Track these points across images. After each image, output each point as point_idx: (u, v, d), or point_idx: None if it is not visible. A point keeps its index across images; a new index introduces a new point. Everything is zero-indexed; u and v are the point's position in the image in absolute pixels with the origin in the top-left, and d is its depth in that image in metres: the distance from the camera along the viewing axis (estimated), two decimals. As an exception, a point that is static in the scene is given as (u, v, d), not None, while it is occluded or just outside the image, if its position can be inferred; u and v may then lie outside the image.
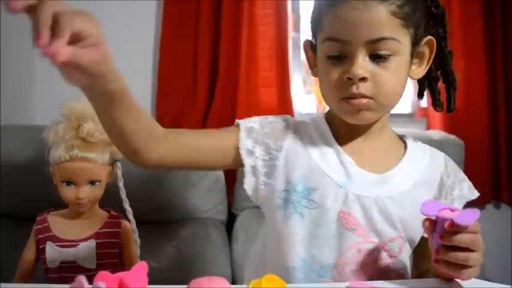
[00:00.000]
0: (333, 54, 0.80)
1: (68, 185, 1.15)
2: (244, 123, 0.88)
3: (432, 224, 0.71)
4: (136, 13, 2.07)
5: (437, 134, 1.89)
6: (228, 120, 1.93)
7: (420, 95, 0.96)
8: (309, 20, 0.88)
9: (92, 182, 1.16)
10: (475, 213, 0.68)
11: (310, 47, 0.89)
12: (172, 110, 2.00)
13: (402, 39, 0.78)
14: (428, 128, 2.16)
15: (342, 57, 0.79)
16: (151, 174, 1.59)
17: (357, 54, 0.77)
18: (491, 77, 2.13)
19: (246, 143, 0.86)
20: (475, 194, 0.91)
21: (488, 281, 0.78)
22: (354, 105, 0.79)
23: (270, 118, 0.90)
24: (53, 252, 1.15)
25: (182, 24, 2.01)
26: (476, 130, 2.09)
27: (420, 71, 0.85)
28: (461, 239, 0.68)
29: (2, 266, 1.39)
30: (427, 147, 0.93)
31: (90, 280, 0.56)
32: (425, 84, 0.93)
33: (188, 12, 2.00)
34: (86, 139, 1.14)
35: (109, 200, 1.22)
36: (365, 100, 0.78)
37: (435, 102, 0.92)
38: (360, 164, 0.84)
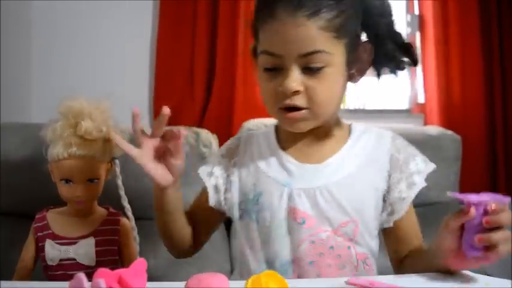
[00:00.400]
0: (268, 67, 0.84)
1: (66, 182, 1.15)
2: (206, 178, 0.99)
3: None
4: (133, 12, 2.07)
5: (434, 129, 1.89)
6: (225, 119, 1.93)
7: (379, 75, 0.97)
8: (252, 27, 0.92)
9: (90, 180, 1.16)
10: (502, 197, 0.72)
11: (254, 52, 0.93)
12: (170, 107, 1.99)
13: (335, 51, 0.82)
14: (425, 123, 2.16)
15: (277, 70, 0.83)
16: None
17: (290, 68, 0.81)
18: (487, 72, 2.13)
19: (204, 168, 0.98)
20: (431, 166, 0.93)
21: (487, 275, 0.79)
22: (290, 118, 0.84)
23: (228, 142, 1.02)
24: (52, 249, 1.15)
25: (179, 23, 2.01)
26: (473, 125, 2.09)
27: (359, 74, 0.90)
28: (506, 217, 0.70)
29: (1, 264, 1.39)
30: (375, 129, 0.96)
31: (90, 277, 0.57)
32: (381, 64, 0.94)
33: (185, 11, 2.00)
34: (83, 137, 1.13)
35: (108, 197, 1.22)
36: (300, 113, 0.83)
37: (398, 66, 0.93)
38: (302, 160, 0.90)
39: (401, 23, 2.30)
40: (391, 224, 0.90)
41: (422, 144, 1.85)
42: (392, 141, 0.93)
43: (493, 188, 2.14)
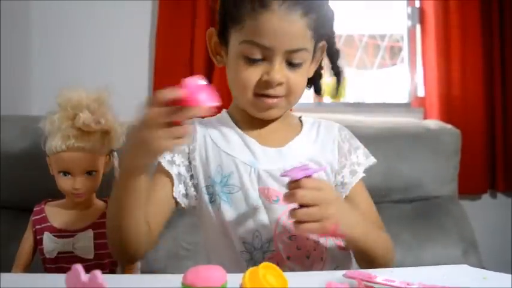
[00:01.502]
0: (253, 57, 0.86)
1: (65, 175, 1.14)
2: (165, 161, 0.94)
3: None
4: (133, 4, 2.06)
5: (434, 123, 1.89)
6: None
7: (318, 91, 1.04)
8: (221, 11, 0.93)
9: (89, 172, 1.15)
10: (305, 169, 0.77)
11: (217, 36, 0.95)
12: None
13: (310, 49, 0.90)
14: (425, 117, 2.16)
15: (260, 60, 0.87)
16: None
17: (277, 60, 0.86)
18: (488, 66, 2.13)
19: (164, 156, 0.92)
20: (371, 160, 1.00)
21: (486, 269, 0.79)
22: (267, 103, 0.89)
23: None
24: (50, 242, 1.15)
25: (178, 15, 2.00)
26: (472, 119, 2.09)
27: (312, 69, 0.96)
28: (298, 194, 0.76)
29: (0, 256, 1.39)
30: (323, 121, 1.02)
31: (88, 270, 0.56)
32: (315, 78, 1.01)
33: (184, 4, 1.99)
34: (82, 129, 1.13)
35: (106, 190, 1.21)
36: (278, 99, 0.89)
37: (318, 91, 1.03)
38: (262, 143, 0.93)
39: (402, 16, 2.29)
40: None
41: (421, 138, 1.88)
42: (338, 131, 1.00)
43: (492, 182, 2.14)
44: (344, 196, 0.96)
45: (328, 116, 1.08)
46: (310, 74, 0.97)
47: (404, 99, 2.30)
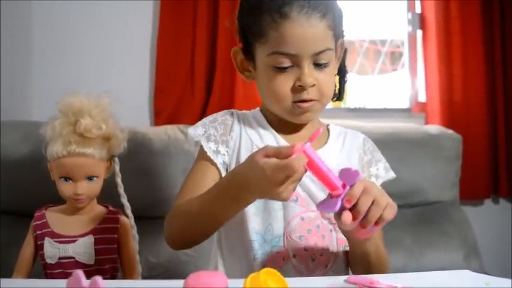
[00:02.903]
0: (282, 66, 0.91)
1: (66, 180, 1.14)
2: (199, 134, 0.99)
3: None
4: (134, 9, 2.06)
5: (435, 128, 1.89)
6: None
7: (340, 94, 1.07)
8: (241, 29, 0.97)
9: (90, 178, 1.15)
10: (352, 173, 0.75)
11: (242, 53, 0.99)
12: (170, 104, 1.99)
13: (333, 47, 0.93)
14: (426, 122, 2.16)
15: (289, 67, 0.91)
16: (149, 169, 1.59)
17: (305, 65, 0.90)
18: (489, 71, 2.13)
19: (209, 146, 0.97)
20: (391, 175, 1.03)
21: (488, 274, 0.78)
22: (304, 108, 0.93)
23: (219, 117, 1.02)
24: (51, 248, 1.15)
25: (179, 20, 2.00)
26: (474, 124, 2.08)
27: (337, 67, 1.00)
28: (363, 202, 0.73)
29: (1, 261, 1.39)
30: (349, 131, 1.06)
31: (89, 276, 0.56)
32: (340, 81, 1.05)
33: (186, 9, 2.00)
34: (83, 134, 1.13)
35: (107, 195, 1.21)
36: (312, 102, 0.92)
37: (340, 95, 1.06)
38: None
39: (403, 21, 2.29)
40: None
41: (422, 143, 1.88)
42: (363, 141, 1.04)
43: (494, 188, 2.13)
44: None
45: (329, 122, 1.07)
46: (335, 73, 1.00)
47: (405, 104, 2.30)
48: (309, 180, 0.93)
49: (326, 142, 1.01)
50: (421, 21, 2.22)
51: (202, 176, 0.97)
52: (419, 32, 2.24)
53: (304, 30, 0.87)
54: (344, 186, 0.74)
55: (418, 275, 0.81)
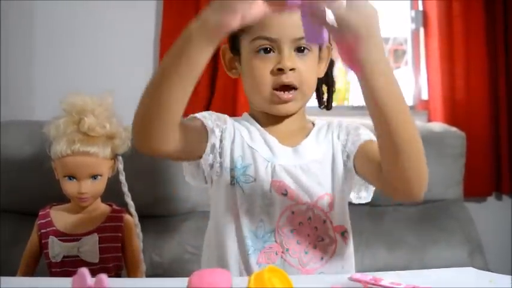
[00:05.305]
0: (263, 47, 0.93)
1: (70, 179, 1.15)
2: (195, 115, 0.98)
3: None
4: (137, 9, 2.06)
5: (438, 126, 1.88)
6: (229, 110, 1.93)
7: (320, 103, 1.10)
8: None
9: (94, 176, 1.16)
10: None
11: (230, 50, 1.01)
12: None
13: None
14: (429, 120, 2.15)
15: (270, 53, 0.93)
16: (154, 168, 1.59)
17: (285, 49, 0.92)
18: (492, 69, 2.12)
19: (208, 124, 0.96)
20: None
21: (490, 271, 0.78)
22: (283, 98, 0.94)
23: (215, 113, 1.02)
24: (55, 246, 1.15)
25: (182, 20, 2.00)
26: (477, 122, 2.07)
27: (322, 70, 1.02)
28: None
29: (4, 260, 1.40)
30: (331, 121, 1.05)
31: (93, 274, 0.57)
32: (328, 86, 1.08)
33: (188, 8, 2.00)
34: (87, 133, 1.14)
35: (111, 194, 1.22)
36: (292, 92, 0.94)
37: (320, 102, 1.09)
38: (280, 141, 0.98)
39: (406, 19, 2.29)
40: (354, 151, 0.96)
41: (426, 141, 1.83)
42: (337, 122, 1.04)
43: (497, 185, 2.13)
44: (352, 157, 0.95)
45: (333, 120, 1.07)
46: (321, 74, 1.02)
47: (408, 102, 2.28)
48: (300, 171, 0.95)
49: (310, 131, 1.02)
50: (424, 19, 2.21)
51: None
52: (422, 30, 2.23)
53: (283, 15, 0.84)
54: None
55: (422, 273, 0.81)
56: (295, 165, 0.96)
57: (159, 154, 0.86)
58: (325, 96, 1.09)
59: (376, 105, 0.76)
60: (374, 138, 0.94)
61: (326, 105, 1.09)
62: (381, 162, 0.83)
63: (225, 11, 0.70)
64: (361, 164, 0.95)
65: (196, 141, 0.94)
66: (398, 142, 0.77)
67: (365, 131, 0.99)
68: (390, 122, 0.75)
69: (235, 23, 0.71)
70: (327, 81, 1.07)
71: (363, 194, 1.02)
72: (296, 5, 0.71)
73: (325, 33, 0.72)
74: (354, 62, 0.72)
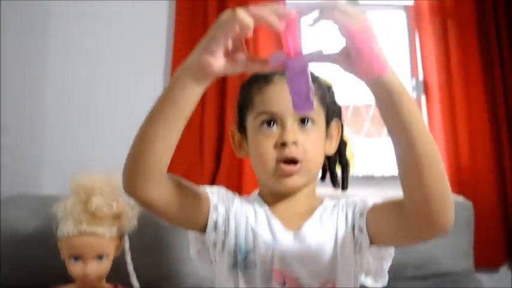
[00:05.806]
0: (267, 120, 0.96)
1: (76, 260, 1.14)
2: (208, 187, 1.00)
3: None
4: (149, 15, 2.09)
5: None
6: (234, 183, 1.92)
7: (323, 177, 1.11)
8: (238, 106, 1.03)
9: (100, 256, 1.15)
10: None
11: (238, 131, 1.04)
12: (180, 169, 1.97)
13: (319, 113, 0.98)
14: (435, 187, 2.13)
15: (273, 127, 0.95)
16: (160, 244, 1.57)
17: (288, 123, 0.95)
18: (495, 135, 2.13)
19: (213, 198, 0.97)
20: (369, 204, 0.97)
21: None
22: (287, 170, 0.94)
23: (224, 189, 1.04)
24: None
25: (194, 32, 2.01)
26: (483, 189, 2.05)
27: (332, 147, 1.03)
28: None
29: None
30: (339, 201, 1.03)
31: None
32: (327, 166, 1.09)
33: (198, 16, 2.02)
34: (94, 213, 1.14)
35: (115, 274, 1.20)
36: (296, 166, 0.94)
37: (333, 180, 1.09)
38: (284, 224, 0.97)
39: (407, 87, 2.32)
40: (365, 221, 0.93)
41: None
42: (343, 201, 1.01)
43: (509, 254, 2.08)
44: (364, 221, 0.93)
45: (341, 197, 1.07)
46: (330, 151, 1.03)
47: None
48: (298, 258, 0.93)
49: (311, 216, 0.99)
50: (425, 87, 2.26)
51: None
52: (423, 98, 2.27)
53: (284, 91, 0.85)
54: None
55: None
56: (295, 252, 0.94)
57: (144, 201, 0.85)
58: (339, 176, 1.09)
59: (397, 114, 0.76)
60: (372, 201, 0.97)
61: (342, 185, 1.08)
62: (401, 185, 0.81)
63: (204, 49, 0.74)
64: (375, 218, 0.92)
65: (193, 206, 0.94)
66: (419, 154, 0.76)
67: (372, 199, 0.98)
68: (411, 132, 0.75)
69: (215, 62, 0.74)
70: (340, 161, 1.08)
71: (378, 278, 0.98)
72: (278, 64, 0.76)
73: (312, 98, 0.76)
74: (373, 69, 0.72)
